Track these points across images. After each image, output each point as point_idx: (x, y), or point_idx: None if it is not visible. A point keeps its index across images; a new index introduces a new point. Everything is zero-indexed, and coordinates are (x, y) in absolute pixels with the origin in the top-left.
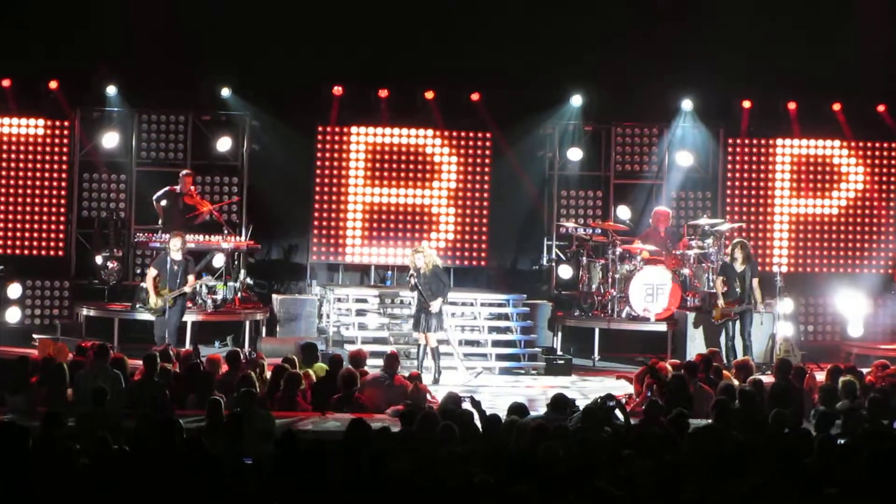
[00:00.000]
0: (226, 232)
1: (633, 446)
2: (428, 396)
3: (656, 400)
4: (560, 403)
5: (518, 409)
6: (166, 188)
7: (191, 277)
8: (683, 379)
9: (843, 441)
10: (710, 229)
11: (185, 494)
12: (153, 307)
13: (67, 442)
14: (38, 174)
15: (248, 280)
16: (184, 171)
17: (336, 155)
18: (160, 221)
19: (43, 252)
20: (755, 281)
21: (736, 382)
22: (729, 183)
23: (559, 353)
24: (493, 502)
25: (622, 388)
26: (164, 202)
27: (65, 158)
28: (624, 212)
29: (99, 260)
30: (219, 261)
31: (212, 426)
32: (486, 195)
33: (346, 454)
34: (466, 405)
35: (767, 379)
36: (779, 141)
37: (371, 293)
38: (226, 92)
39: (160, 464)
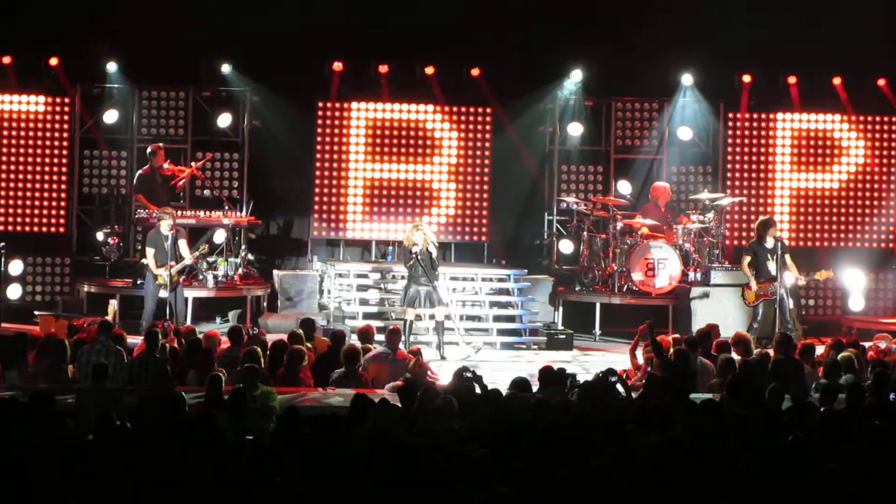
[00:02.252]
0: (226, 208)
1: (634, 421)
2: (429, 372)
3: (655, 374)
4: (550, 377)
5: (520, 384)
6: (137, 173)
7: (183, 246)
8: (686, 353)
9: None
10: (710, 203)
11: (188, 470)
12: (163, 283)
13: (65, 418)
14: (38, 151)
15: (249, 256)
16: (151, 147)
17: (336, 130)
18: (148, 211)
19: (44, 229)
20: (787, 256)
21: (736, 356)
22: (729, 157)
23: (560, 327)
24: (493, 477)
25: (624, 363)
26: (142, 189)
27: (65, 135)
28: (625, 186)
29: (100, 236)
30: (220, 237)
31: (211, 401)
32: (486, 170)
33: (348, 429)
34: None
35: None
36: (779, 115)
37: (372, 268)
38: (226, 68)
39: (163, 439)
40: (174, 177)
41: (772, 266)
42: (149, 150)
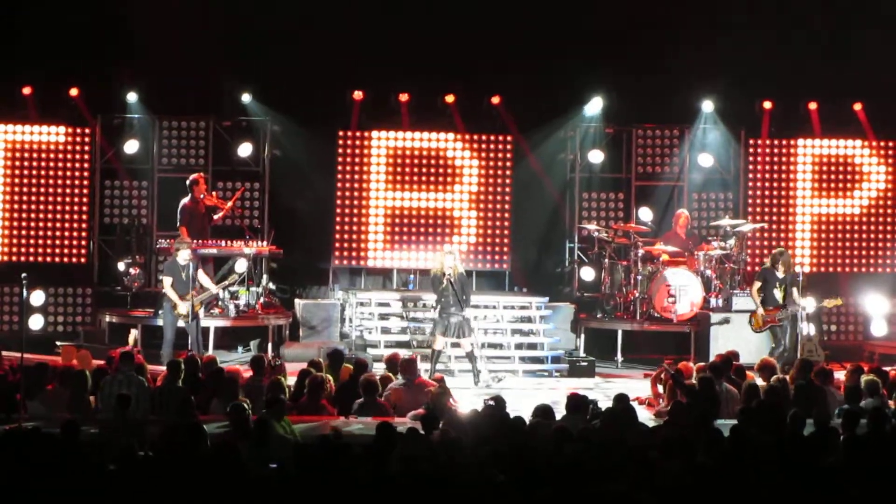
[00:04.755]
0: (247, 237)
1: (658, 448)
2: (451, 399)
3: (681, 401)
4: (577, 404)
5: (543, 412)
6: (181, 206)
7: (202, 275)
8: (710, 380)
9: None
10: (731, 230)
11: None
12: (183, 314)
13: (89, 449)
14: (59, 181)
15: (271, 285)
16: (191, 178)
17: (357, 159)
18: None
19: (65, 259)
20: (795, 289)
21: (760, 382)
22: (750, 184)
23: (582, 355)
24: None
25: (643, 390)
26: (186, 222)
27: (86, 165)
28: (646, 213)
29: (121, 266)
30: (241, 266)
31: (235, 431)
32: (507, 198)
33: (373, 457)
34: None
35: None
36: (800, 141)
37: (393, 297)
38: (246, 97)
39: (186, 470)
40: (216, 209)
41: (778, 294)
42: (189, 180)
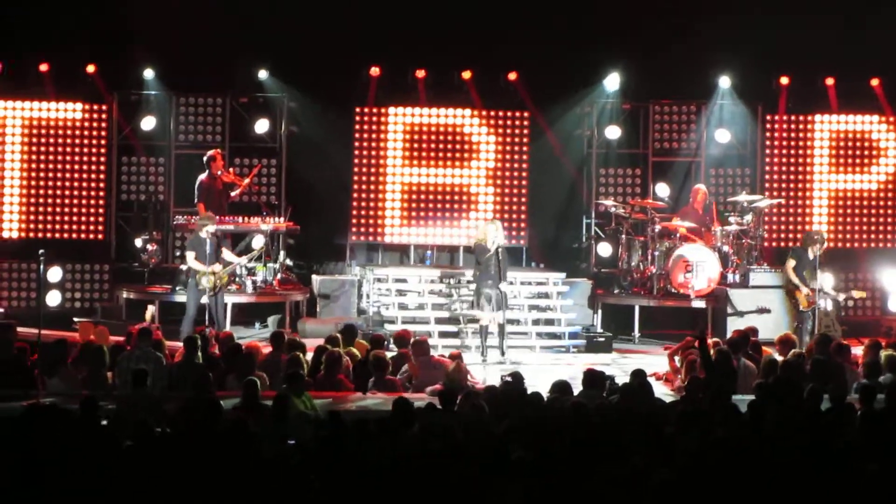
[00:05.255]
0: (264, 213)
1: (675, 423)
2: (468, 376)
3: (697, 376)
4: (594, 379)
5: (561, 387)
6: (198, 182)
7: (227, 253)
8: (728, 355)
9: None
10: (749, 206)
11: (228, 476)
12: (209, 286)
13: (107, 425)
14: (76, 158)
15: (288, 261)
16: (208, 154)
17: (374, 136)
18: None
19: (83, 236)
20: (821, 271)
21: (779, 357)
22: (767, 159)
23: (599, 330)
24: (532, 480)
25: (660, 366)
26: (203, 198)
27: (103, 142)
28: (663, 189)
29: (138, 243)
30: (258, 242)
31: (247, 406)
32: (524, 174)
33: (389, 433)
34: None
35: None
36: (817, 117)
37: (411, 272)
38: (263, 74)
39: (202, 446)
40: (233, 185)
41: (808, 275)
42: (206, 156)
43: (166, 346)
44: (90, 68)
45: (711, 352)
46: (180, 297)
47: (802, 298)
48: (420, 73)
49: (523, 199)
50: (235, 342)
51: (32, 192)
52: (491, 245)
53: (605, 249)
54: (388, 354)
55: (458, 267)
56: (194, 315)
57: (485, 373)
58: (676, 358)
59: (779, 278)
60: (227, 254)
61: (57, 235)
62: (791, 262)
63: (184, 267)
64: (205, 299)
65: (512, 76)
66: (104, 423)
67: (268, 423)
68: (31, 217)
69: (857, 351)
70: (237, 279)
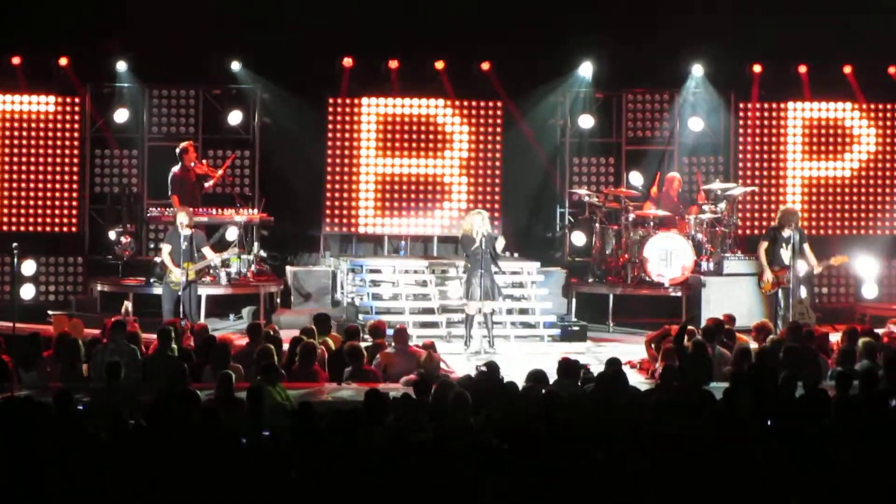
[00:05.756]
0: (238, 205)
1: (652, 413)
2: (442, 365)
3: (671, 365)
4: (569, 368)
5: (537, 377)
6: (172, 174)
7: (207, 250)
8: (702, 343)
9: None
10: (722, 194)
11: (202, 468)
12: (176, 281)
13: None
14: (49, 151)
15: (262, 253)
16: (181, 146)
17: (347, 126)
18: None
19: (56, 228)
20: (806, 246)
21: (754, 345)
22: (741, 147)
23: (574, 319)
24: (508, 471)
25: (635, 354)
26: (177, 191)
27: (76, 135)
28: (636, 178)
29: (112, 235)
30: (232, 234)
31: (221, 398)
32: (497, 164)
33: (363, 424)
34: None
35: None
36: (790, 104)
37: (385, 263)
38: (235, 65)
39: (177, 438)
40: (207, 177)
41: (786, 255)
42: (179, 148)
43: (142, 339)
44: (62, 61)
45: (686, 341)
46: (156, 290)
47: (767, 282)
48: (393, 64)
49: (497, 189)
50: (210, 334)
51: (5, 185)
52: (476, 235)
53: (579, 238)
54: (363, 345)
55: (433, 256)
56: (171, 309)
57: (467, 362)
58: (653, 345)
59: (753, 266)
60: (207, 251)
61: (30, 228)
62: (763, 245)
63: (158, 259)
64: (179, 293)
65: (485, 66)
66: (79, 416)
67: (243, 416)
68: (4, 210)
69: (832, 339)
70: (213, 271)
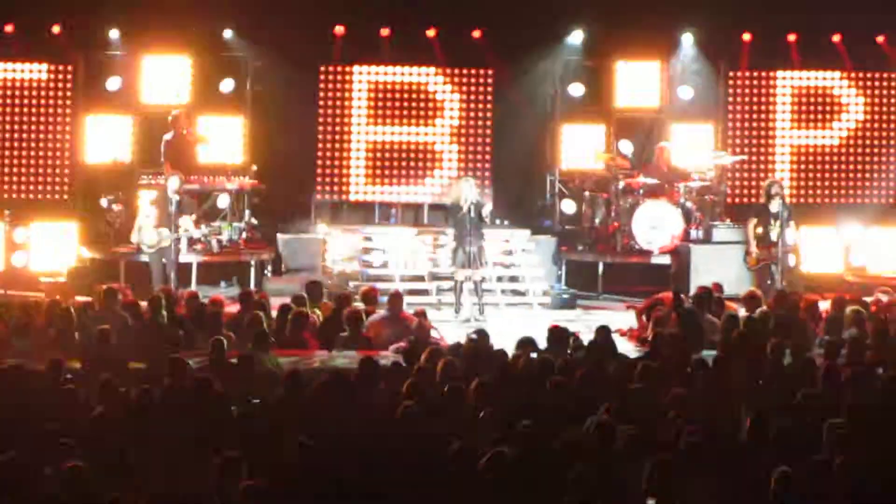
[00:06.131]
0: (230, 172)
1: (640, 380)
2: (433, 333)
3: (661, 332)
4: (559, 336)
5: (527, 343)
6: (164, 141)
7: (186, 220)
8: (694, 312)
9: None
10: (712, 162)
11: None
12: (149, 243)
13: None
14: (42, 119)
15: (253, 220)
16: (173, 113)
17: (339, 94)
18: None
19: (48, 196)
20: (793, 224)
21: (743, 312)
22: (730, 116)
23: (564, 287)
24: (499, 438)
25: (624, 322)
26: (170, 157)
27: (68, 103)
28: (626, 146)
29: (104, 203)
30: (223, 202)
31: (213, 366)
32: (488, 132)
33: (357, 391)
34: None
35: None
36: (779, 73)
37: (376, 231)
38: (228, 33)
39: (170, 405)
40: (198, 143)
41: (774, 231)
42: (171, 115)
43: (140, 307)
44: (55, 29)
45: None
46: (147, 257)
47: (751, 258)
48: (385, 32)
49: (487, 157)
50: (201, 301)
51: None
52: (464, 203)
53: (569, 207)
54: None
55: (424, 224)
56: (160, 273)
57: (457, 329)
58: (644, 315)
59: (741, 234)
60: (186, 221)
61: (22, 196)
62: (752, 221)
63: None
64: (163, 258)
65: (476, 34)
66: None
67: (234, 383)
68: None
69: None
70: (203, 238)
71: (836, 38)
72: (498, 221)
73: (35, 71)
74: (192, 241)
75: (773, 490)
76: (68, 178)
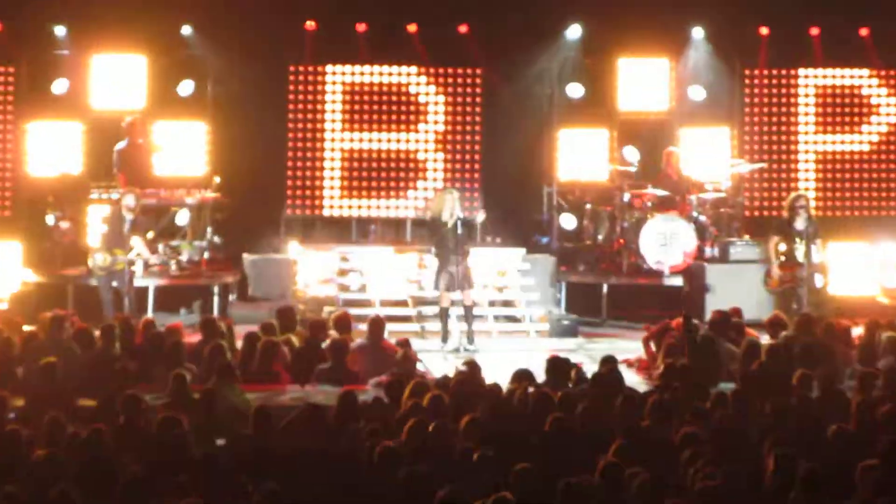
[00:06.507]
0: (190, 185)
1: (650, 416)
2: (418, 365)
3: (673, 363)
4: (559, 367)
5: (523, 377)
6: (117, 151)
7: (138, 241)
8: (710, 338)
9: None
10: (728, 171)
11: (152, 478)
12: (101, 265)
13: (15, 427)
14: None
15: (216, 239)
16: (127, 120)
17: (311, 97)
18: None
19: None
20: (819, 242)
21: (766, 339)
22: (747, 119)
23: (563, 312)
24: (493, 479)
25: (631, 351)
26: (124, 167)
27: (9, 108)
28: (631, 153)
29: (50, 220)
30: (182, 218)
31: (176, 403)
32: (477, 138)
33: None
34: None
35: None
36: (801, 71)
37: (353, 250)
38: (187, 29)
39: (124, 447)
40: (154, 153)
41: (799, 250)
42: (125, 122)
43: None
44: None
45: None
46: (96, 282)
47: (772, 279)
48: (361, 27)
49: (476, 166)
50: (158, 330)
51: None
52: (449, 218)
53: (568, 222)
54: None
55: (406, 242)
56: (109, 299)
57: (444, 361)
58: (652, 343)
59: (762, 252)
60: (136, 241)
61: None
62: (773, 240)
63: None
64: (115, 283)
65: (462, 29)
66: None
67: (196, 421)
68: None
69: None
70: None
71: (863, 31)
72: (489, 239)
73: None
74: (148, 264)
75: None
76: (9, 193)
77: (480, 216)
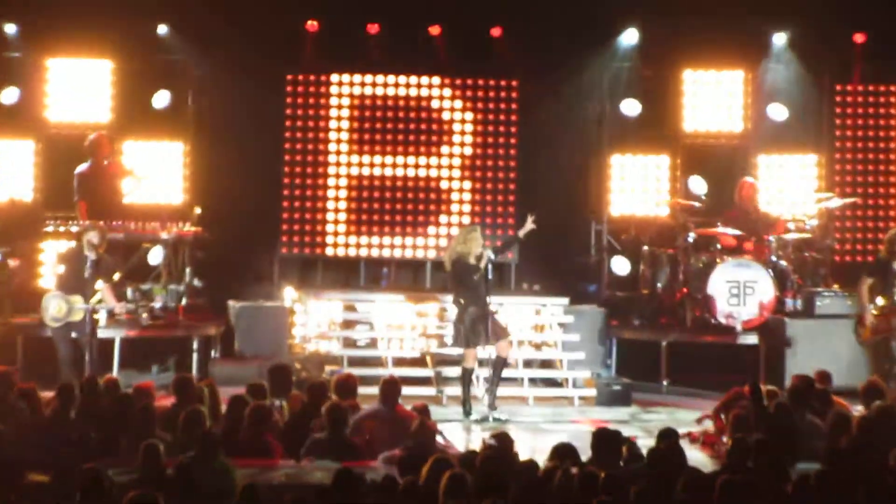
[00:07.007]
0: (165, 216)
1: (718, 502)
2: (439, 438)
3: (744, 437)
4: (608, 442)
5: (564, 452)
6: (78, 174)
7: (103, 285)
8: (787, 408)
9: None
10: (814, 207)
11: None
12: (54, 316)
13: None
14: None
15: (196, 282)
16: (91, 137)
17: (311, 112)
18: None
19: None
20: None
21: (860, 409)
22: (838, 144)
23: (614, 375)
24: None
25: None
26: (85, 195)
27: None
28: (698, 184)
29: None
30: (155, 256)
31: (146, 479)
32: (512, 163)
33: None
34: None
35: None
36: None
37: (361, 297)
38: (162, 29)
39: None
40: (125, 178)
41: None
42: (88, 140)
43: (40, 398)
44: None
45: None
46: (52, 333)
47: (865, 329)
48: (372, 29)
49: (510, 198)
50: (124, 392)
51: None
52: (482, 261)
53: (621, 266)
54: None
55: (424, 289)
56: (68, 355)
57: (469, 432)
58: (723, 414)
59: (854, 305)
60: (104, 290)
61: None
62: (867, 281)
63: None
64: (75, 334)
65: (495, 32)
66: None
67: (172, 502)
68: None
69: None
70: (130, 308)
71: None
72: (526, 286)
73: None
74: (113, 312)
75: None
76: None
77: (528, 226)
